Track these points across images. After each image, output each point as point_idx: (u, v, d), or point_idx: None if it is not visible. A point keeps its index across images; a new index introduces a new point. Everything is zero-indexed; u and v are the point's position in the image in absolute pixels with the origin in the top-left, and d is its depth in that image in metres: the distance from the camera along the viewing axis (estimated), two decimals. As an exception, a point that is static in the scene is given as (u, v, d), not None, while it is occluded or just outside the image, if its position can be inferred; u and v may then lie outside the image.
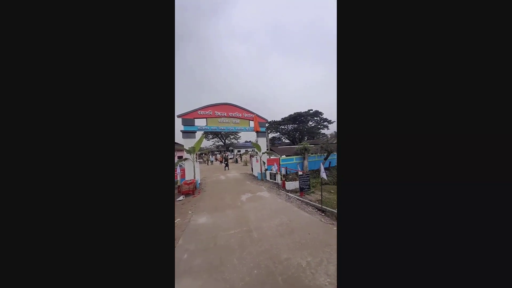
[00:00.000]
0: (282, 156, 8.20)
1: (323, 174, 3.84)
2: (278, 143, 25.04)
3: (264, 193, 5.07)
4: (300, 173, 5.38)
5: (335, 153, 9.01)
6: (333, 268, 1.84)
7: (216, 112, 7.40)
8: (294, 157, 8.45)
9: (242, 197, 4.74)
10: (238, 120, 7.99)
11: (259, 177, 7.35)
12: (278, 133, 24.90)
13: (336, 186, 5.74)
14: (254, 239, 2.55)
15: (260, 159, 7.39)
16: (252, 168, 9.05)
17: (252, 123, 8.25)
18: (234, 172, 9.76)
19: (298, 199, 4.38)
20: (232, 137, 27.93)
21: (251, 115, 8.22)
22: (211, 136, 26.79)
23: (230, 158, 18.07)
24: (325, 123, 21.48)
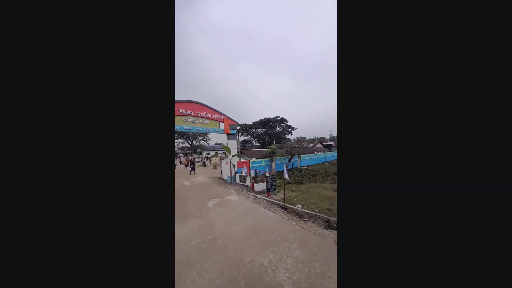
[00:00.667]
0: (252, 159, 8.41)
1: (286, 175, 4.26)
2: (249, 145, 25.50)
3: (233, 196, 4.97)
4: (267, 174, 5.70)
5: (297, 156, 10.26)
6: (291, 262, 2.05)
7: (180, 109, 6.62)
8: (263, 159, 8.88)
9: (209, 203, 4.43)
10: (207, 121, 7.50)
11: (229, 181, 7.16)
12: (249, 136, 25.44)
13: (296, 185, 6.51)
14: (218, 247, 2.43)
15: (230, 162, 7.23)
16: (221, 172, 8.68)
17: (222, 125, 7.98)
18: (202, 176, 8.99)
19: (265, 199, 4.60)
20: (201, 138, 25.75)
21: (222, 116, 7.96)
22: (175, 136, 23.52)
23: (198, 161, 16.50)
24: (289, 129, 24.17)
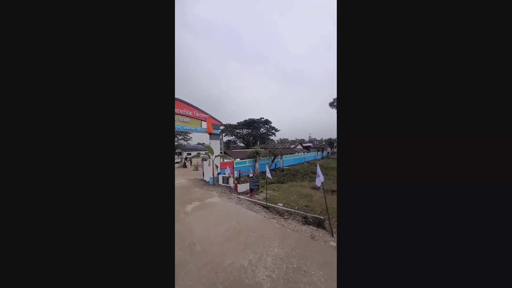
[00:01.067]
0: (236, 159, 8.31)
1: (269, 175, 4.37)
2: (233, 146, 25.12)
3: (215, 198, 4.79)
4: (251, 175, 5.73)
5: (279, 156, 10.68)
6: (270, 260, 2.11)
7: (156, 106, 5.97)
8: (247, 160, 8.89)
9: (188, 207, 4.14)
10: (187, 119, 7.02)
11: (211, 182, 6.86)
12: (234, 137, 25.09)
13: (279, 184, 6.75)
14: (196, 253, 2.30)
15: (213, 163, 6.96)
16: (203, 173, 8.25)
17: (204, 124, 7.62)
18: (180, 178, 8.34)
19: (248, 200, 4.60)
20: (180, 137, 23.90)
21: (204, 115, 7.59)
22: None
23: (177, 162, 15.25)
24: (273, 131, 24.99)
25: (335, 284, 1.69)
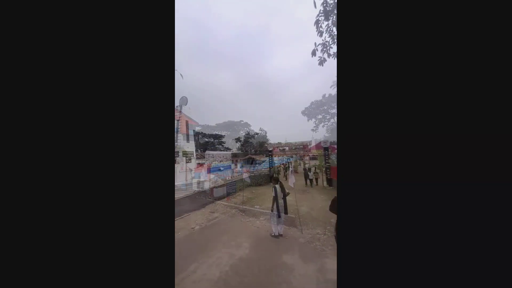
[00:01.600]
0: (214, 163, 7.93)
1: (247, 178, 4.41)
2: (211, 148, 23.93)
3: (186, 206, 4.39)
4: (228, 178, 5.59)
5: (257, 159, 10.94)
6: (243, 265, 2.09)
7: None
8: (226, 163, 8.64)
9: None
10: (156, 117, 6.22)
11: (184, 188, 6.26)
12: (212, 138, 24.01)
13: (256, 187, 6.86)
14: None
15: (186, 166, 6.40)
16: (175, 178, 7.42)
17: (178, 123, 6.96)
18: (144, 185, 7.17)
19: (224, 204, 4.46)
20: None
21: (178, 113, 6.95)
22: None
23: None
24: (252, 134, 25.51)
25: (304, 280, 1.84)
